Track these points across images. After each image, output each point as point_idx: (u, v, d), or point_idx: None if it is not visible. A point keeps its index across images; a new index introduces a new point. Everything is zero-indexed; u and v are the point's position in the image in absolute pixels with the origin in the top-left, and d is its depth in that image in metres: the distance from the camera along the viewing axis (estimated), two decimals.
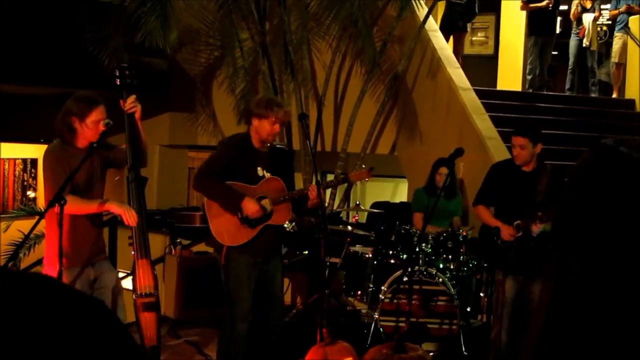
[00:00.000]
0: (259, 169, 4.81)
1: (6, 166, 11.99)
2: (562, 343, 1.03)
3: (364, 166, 4.98)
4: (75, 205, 4.17)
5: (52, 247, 4.15)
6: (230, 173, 4.72)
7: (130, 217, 4.26)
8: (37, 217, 4.23)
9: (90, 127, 4.24)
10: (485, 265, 5.86)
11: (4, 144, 11.54)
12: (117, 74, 4.50)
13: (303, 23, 9.01)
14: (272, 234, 4.86)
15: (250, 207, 4.64)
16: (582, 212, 1.05)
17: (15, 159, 12.12)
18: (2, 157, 11.75)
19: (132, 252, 4.41)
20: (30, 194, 12.19)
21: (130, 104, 4.41)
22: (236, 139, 4.95)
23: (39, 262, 4.67)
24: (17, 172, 12.16)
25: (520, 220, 5.11)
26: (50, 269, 4.18)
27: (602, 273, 1.01)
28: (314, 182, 4.78)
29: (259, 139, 4.80)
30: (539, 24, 10.18)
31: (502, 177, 5.38)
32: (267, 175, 4.84)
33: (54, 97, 4.39)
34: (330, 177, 9.09)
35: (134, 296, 4.39)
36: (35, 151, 11.79)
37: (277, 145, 5.01)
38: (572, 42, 10.58)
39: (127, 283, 5.26)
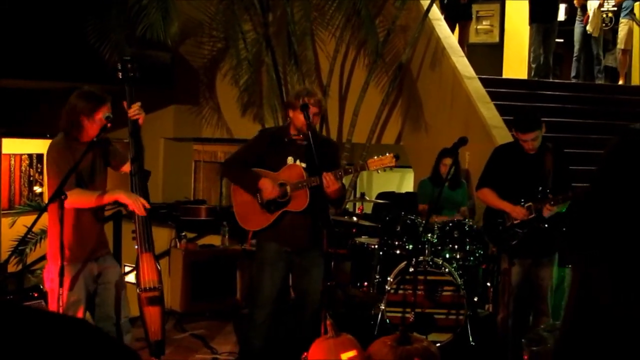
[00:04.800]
0: (289, 158, 4.78)
1: (12, 162, 12.00)
2: (596, 313, 1.06)
3: (387, 154, 4.73)
4: (81, 198, 4.16)
5: (55, 242, 4.14)
6: (259, 163, 4.79)
7: (139, 206, 4.25)
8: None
9: (98, 123, 4.23)
10: (491, 253, 5.83)
11: (9, 140, 11.55)
12: (120, 68, 4.48)
13: (306, 13, 8.97)
14: (303, 225, 4.73)
15: (266, 186, 4.65)
16: (614, 191, 1.07)
17: (21, 155, 12.13)
18: (8, 152, 11.76)
19: (136, 246, 4.40)
20: (37, 189, 12.21)
21: (135, 110, 4.39)
22: (270, 130, 5.14)
23: (44, 257, 4.66)
24: (23, 168, 12.17)
25: (531, 202, 5.08)
26: (53, 264, 4.17)
27: (636, 248, 1.02)
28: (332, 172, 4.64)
29: (295, 129, 4.80)
30: (539, 11, 10.08)
31: (507, 159, 5.34)
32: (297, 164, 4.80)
33: (58, 92, 4.38)
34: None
35: (138, 290, 4.38)
36: (41, 146, 11.79)
37: (324, 138, 5.01)
38: (577, 29, 10.52)
39: (131, 277, 5.24)
